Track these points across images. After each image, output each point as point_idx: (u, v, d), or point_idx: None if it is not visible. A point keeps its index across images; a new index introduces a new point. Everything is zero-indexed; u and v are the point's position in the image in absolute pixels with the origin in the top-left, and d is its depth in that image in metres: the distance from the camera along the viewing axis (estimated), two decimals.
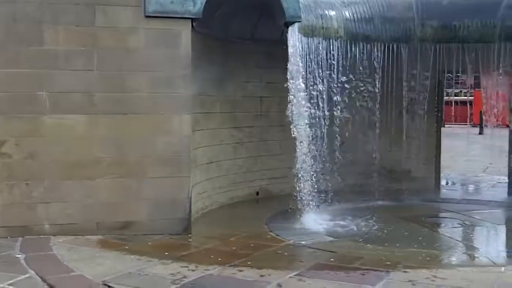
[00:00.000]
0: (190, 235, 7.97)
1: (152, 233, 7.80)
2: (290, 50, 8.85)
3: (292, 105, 8.82)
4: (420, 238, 8.55)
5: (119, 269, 6.24)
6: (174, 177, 8.02)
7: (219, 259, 6.73)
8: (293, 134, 8.82)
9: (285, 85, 8.81)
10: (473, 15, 10.93)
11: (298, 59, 9.03)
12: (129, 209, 7.95)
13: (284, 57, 8.86)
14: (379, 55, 10.72)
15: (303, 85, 9.08)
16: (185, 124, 8.11)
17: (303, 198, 8.90)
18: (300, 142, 8.91)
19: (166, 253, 6.95)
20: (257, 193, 11.02)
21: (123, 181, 7.92)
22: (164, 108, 8.00)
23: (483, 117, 29.70)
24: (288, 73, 8.81)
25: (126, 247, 7.22)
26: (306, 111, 9.20)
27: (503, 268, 6.65)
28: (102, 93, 7.83)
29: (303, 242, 7.76)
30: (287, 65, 8.87)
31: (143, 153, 7.96)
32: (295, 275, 6.11)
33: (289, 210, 8.86)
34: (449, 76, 15.11)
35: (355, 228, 9.02)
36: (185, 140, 8.12)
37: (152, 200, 7.98)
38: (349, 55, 10.30)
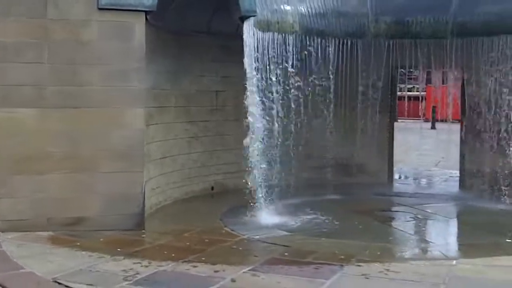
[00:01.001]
0: (143, 231, 7.88)
1: (104, 229, 7.67)
2: (246, 44, 8.80)
3: (247, 99, 8.79)
4: (373, 231, 8.66)
5: (70, 265, 6.13)
6: (127, 172, 7.91)
7: (173, 255, 6.67)
8: (247, 128, 8.80)
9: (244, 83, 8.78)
10: (426, 11, 11.08)
11: (253, 53, 9.00)
12: (81, 204, 7.82)
13: (240, 51, 8.82)
14: (333, 50, 10.77)
15: (257, 79, 9.07)
16: (139, 118, 8.01)
17: (258, 193, 8.89)
18: (254, 136, 8.89)
19: (119, 249, 6.85)
20: (212, 188, 10.96)
21: (75, 176, 7.77)
22: (117, 102, 7.88)
23: (435, 112, 30.33)
24: (244, 67, 8.76)
25: (78, 244, 7.09)
26: (261, 105, 9.19)
27: (454, 261, 6.76)
28: (53, 86, 7.67)
29: (257, 236, 7.76)
30: (243, 59, 8.83)
31: (96, 148, 7.83)
32: (249, 270, 6.10)
33: (248, 204, 8.84)
34: (402, 71, 15.33)
35: (309, 222, 9.07)
36: (138, 134, 8.02)
37: (104, 195, 7.86)
38: (304, 49, 10.32)
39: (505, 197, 9.82)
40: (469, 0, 10.76)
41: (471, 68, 11.07)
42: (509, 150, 9.86)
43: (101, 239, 7.37)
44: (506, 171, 9.92)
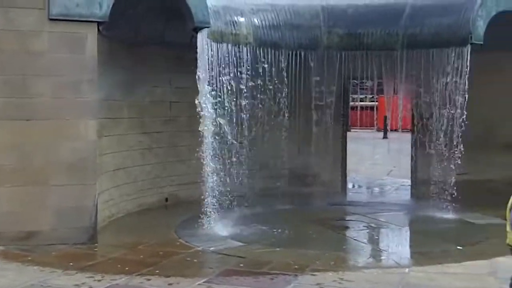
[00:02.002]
0: (96, 244, 7.78)
1: (56, 243, 7.54)
2: (199, 55, 8.80)
3: (200, 110, 8.77)
4: (327, 241, 8.76)
5: (21, 281, 6.02)
6: (79, 185, 7.80)
7: (127, 268, 6.60)
8: (201, 139, 8.79)
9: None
10: (377, 24, 11.28)
11: (206, 64, 9.01)
12: (32, 218, 7.66)
13: (194, 62, 8.82)
14: (287, 61, 10.87)
15: (210, 90, 9.08)
16: (91, 130, 7.92)
17: (213, 204, 8.87)
18: (208, 147, 8.88)
19: (71, 264, 6.74)
20: (166, 200, 10.89)
21: (26, 189, 7.62)
22: (69, 114, 7.78)
23: (387, 122, 30.85)
24: (197, 78, 8.76)
25: (29, 258, 6.96)
26: (215, 116, 9.20)
27: (407, 269, 6.90)
28: (4, 98, 7.54)
29: (212, 248, 7.74)
30: (196, 70, 8.82)
31: (47, 160, 7.70)
32: (204, 282, 6.09)
33: (203, 215, 8.80)
34: (355, 82, 15.54)
35: (264, 233, 9.09)
36: (90, 146, 7.92)
37: (56, 208, 7.72)
38: (258, 61, 10.39)
39: (455, 205, 10.02)
40: (419, 12, 11.00)
41: (421, 79, 11.31)
42: (457, 160, 10.08)
43: (53, 253, 7.25)
44: (454, 180, 10.14)
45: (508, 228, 5.26)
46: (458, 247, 8.13)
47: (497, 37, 10.13)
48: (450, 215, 10.04)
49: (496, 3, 9.93)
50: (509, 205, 5.25)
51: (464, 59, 9.87)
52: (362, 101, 38.29)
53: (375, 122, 36.68)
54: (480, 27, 9.74)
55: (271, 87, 10.90)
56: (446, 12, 10.55)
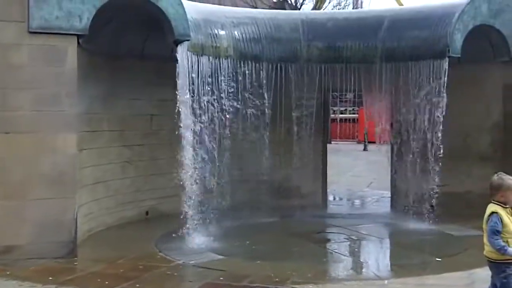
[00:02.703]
0: (75, 258, 7.72)
1: (35, 257, 7.48)
2: (179, 68, 8.82)
3: (181, 123, 8.77)
4: (308, 253, 8.76)
5: None
6: (59, 198, 7.76)
7: (106, 282, 6.57)
8: (182, 152, 8.79)
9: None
10: (356, 37, 11.41)
11: (187, 76, 9.03)
12: (11, 232, 7.59)
13: (174, 75, 8.82)
14: (267, 74, 10.94)
15: (191, 103, 9.09)
16: (71, 143, 7.89)
17: (193, 217, 8.86)
18: (188, 159, 8.87)
19: (50, 278, 6.70)
20: (147, 213, 10.83)
21: (4, 203, 7.56)
22: (48, 127, 7.74)
23: (367, 134, 31.06)
24: (177, 91, 8.76)
25: (8, 273, 6.91)
26: (195, 128, 9.21)
27: (386, 281, 6.94)
28: None
29: (192, 261, 7.72)
30: (177, 82, 8.83)
31: (26, 174, 7.65)
32: None
33: (184, 229, 8.78)
34: (335, 94, 15.64)
35: (244, 245, 9.08)
36: (70, 159, 7.88)
37: (35, 222, 7.66)
38: (239, 73, 10.44)
39: (434, 217, 10.10)
40: (397, 26, 11.15)
41: (400, 91, 11.43)
42: (436, 171, 10.18)
43: (32, 268, 7.19)
44: (433, 192, 10.22)
45: (485, 240, 5.34)
46: (437, 259, 8.19)
47: (474, 49, 10.31)
48: (429, 227, 10.10)
49: (473, 17, 10.11)
50: (485, 217, 5.33)
51: (442, 71, 9.99)
52: (343, 114, 38.60)
53: (355, 134, 37.01)
54: (458, 40, 9.89)
55: (251, 99, 10.95)
56: (424, 25, 10.71)
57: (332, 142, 32.33)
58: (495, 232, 5.18)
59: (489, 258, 5.34)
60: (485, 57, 11.00)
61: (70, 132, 7.87)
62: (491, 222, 5.23)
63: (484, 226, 5.33)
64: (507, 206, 5.27)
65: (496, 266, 5.32)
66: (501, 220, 5.20)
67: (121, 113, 10.26)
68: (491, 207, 5.30)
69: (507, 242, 5.19)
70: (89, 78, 8.91)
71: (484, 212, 5.34)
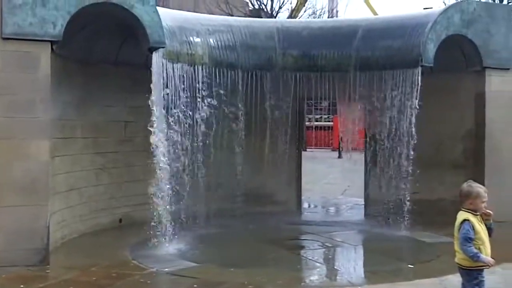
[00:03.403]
0: (48, 266, 7.63)
1: (7, 265, 7.37)
2: (154, 75, 8.80)
3: (154, 130, 8.74)
4: (282, 260, 8.78)
5: None
6: (31, 206, 7.67)
7: None
8: (154, 159, 8.75)
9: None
10: (331, 46, 11.51)
11: (162, 83, 9.01)
12: None
13: (149, 82, 8.79)
14: (242, 81, 10.98)
15: (164, 110, 9.07)
16: (43, 150, 7.81)
17: (167, 225, 8.83)
18: (161, 167, 8.85)
19: (22, 286, 6.64)
20: (120, 220, 10.74)
21: None
22: (21, 133, 7.66)
23: (341, 142, 31.27)
24: (151, 98, 8.73)
25: None
26: (169, 135, 9.19)
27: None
28: None
29: (166, 269, 7.69)
30: (151, 89, 8.80)
31: None
32: None
33: (158, 236, 8.74)
34: (310, 102, 15.72)
35: (218, 253, 9.08)
36: (43, 166, 7.80)
37: (7, 230, 7.56)
38: (214, 81, 10.45)
39: (407, 224, 10.20)
40: (372, 35, 11.28)
41: (373, 100, 11.55)
42: (409, 179, 10.28)
43: (4, 276, 7.10)
44: (406, 199, 10.32)
45: (456, 247, 5.40)
46: (409, 266, 8.28)
47: (447, 59, 10.46)
48: (402, 234, 10.19)
49: (446, 27, 10.26)
50: (457, 224, 5.40)
51: (415, 80, 10.12)
52: (318, 121, 38.80)
53: (330, 142, 37.21)
54: (430, 49, 10.02)
55: (226, 107, 10.97)
56: (397, 35, 10.85)
57: (307, 149, 32.50)
58: (468, 240, 5.25)
59: (461, 266, 5.40)
60: (457, 67, 11.16)
61: (43, 138, 7.80)
62: (463, 229, 5.29)
63: (455, 233, 5.39)
64: (478, 214, 5.35)
65: (468, 273, 5.38)
66: (473, 228, 5.27)
67: (95, 120, 10.18)
68: (462, 215, 5.37)
69: (479, 249, 5.25)
70: (63, 84, 8.85)
71: (456, 219, 5.41)
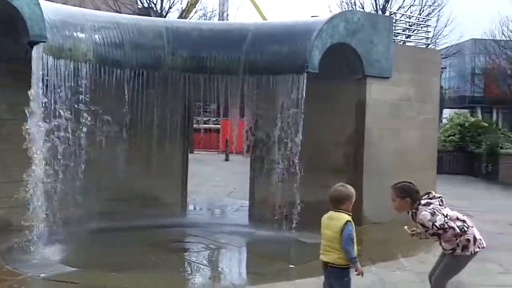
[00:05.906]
0: None
1: None
2: (34, 70, 8.39)
3: (31, 129, 8.33)
4: (165, 263, 8.67)
5: None
6: None
7: None
8: (31, 159, 8.35)
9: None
10: (220, 48, 11.49)
11: (41, 80, 8.61)
12: None
13: (29, 77, 8.38)
14: (129, 80, 10.72)
15: (45, 107, 8.68)
16: None
17: (44, 228, 8.44)
18: (39, 167, 8.45)
19: None
20: None
21: None
22: None
23: (229, 145, 31.45)
24: (30, 94, 8.33)
25: None
26: (49, 134, 8.81)
27: None
28: None
29: (43, 274, 7.34)
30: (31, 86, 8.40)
31: None
32: None
33: (33, 240, 8.31)
34: (199, 104, 15.65)
35: (100, 256, 8.81)
36: None
37: None
38: (98, 78, 10.13)
39: (290, 225, 10.37)
40: (260, 39, 11.37)
41: (262, 103, 11.66)
42: (294, 182, 10.47)
43: None
44: (290, 202, 10.50)
45: (332, 247, 5.56)
46: (290, 266, 8.44)
47: (332, 66, 10.76)
48: (285, 235, 10.36)
49: (331, 35, 10.55)
50: (338, 225, 5.54)
51: (301, 86, 10.32)
52: (206, 124, 38.80)
53: (218, 145, 37.33)
54: (316, 56, 10.26)
55: (111, 105, 10.68)
56: (285, 40, 11.01)
57: (194, 151, 32.39)
58: (352, 240, 5.45)
59: (335, 265, 5.55)
60: (341, 74, 11.49)
61: None
62: (347, 230, 5.48)
63: (335, 234, 5.52)
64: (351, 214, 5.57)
65: (341, 271, 5.57)
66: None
67: None
68: (343, 216, 5.55)
69: None
70: None
71: None
